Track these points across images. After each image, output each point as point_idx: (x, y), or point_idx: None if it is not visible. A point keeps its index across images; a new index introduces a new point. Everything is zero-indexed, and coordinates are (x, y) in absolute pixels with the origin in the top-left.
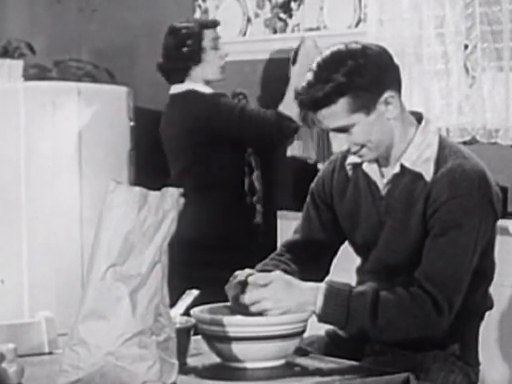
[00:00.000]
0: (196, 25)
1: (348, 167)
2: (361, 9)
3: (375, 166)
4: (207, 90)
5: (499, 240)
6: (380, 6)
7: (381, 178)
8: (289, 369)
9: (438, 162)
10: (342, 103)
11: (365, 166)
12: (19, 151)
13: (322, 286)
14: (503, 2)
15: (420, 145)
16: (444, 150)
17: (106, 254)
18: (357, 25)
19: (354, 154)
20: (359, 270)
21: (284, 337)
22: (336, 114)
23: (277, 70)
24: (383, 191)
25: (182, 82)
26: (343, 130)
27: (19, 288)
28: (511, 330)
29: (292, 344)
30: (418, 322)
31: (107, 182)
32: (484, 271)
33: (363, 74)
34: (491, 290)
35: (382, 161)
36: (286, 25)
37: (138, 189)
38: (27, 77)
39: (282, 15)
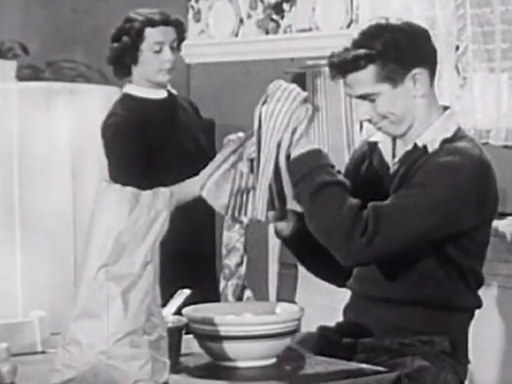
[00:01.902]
0: (141, 20)
1: (368, 145)
2: (352, 10)
3: (389, 145)
4: (144, 92)
5: None
6: (371, 7)
7: (392, 158)
8: (280, 368)
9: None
10: (370, 70)
11: (380, 145)
12: (12, 151)
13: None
14: (494, 3)
15: (438, 129)
16: (457, 135)
17: (98, 253)
18: (349, 26)
19: (375, 125)
20: None
21: (275, 336)
22: (363, 80)
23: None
24: (392, 169)
25: (126, 76)
26: (368, 97)
27: (12, 287)
28: (498, 328)
29: (283, 343)
30: (340, 224)
31: (99, 181)
32: (474, 271)
33: (397, 47)
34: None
35: (399, 139)
36: (279, 26)
37: (129, 189)
38: (20, 77)
39: (275, 16)
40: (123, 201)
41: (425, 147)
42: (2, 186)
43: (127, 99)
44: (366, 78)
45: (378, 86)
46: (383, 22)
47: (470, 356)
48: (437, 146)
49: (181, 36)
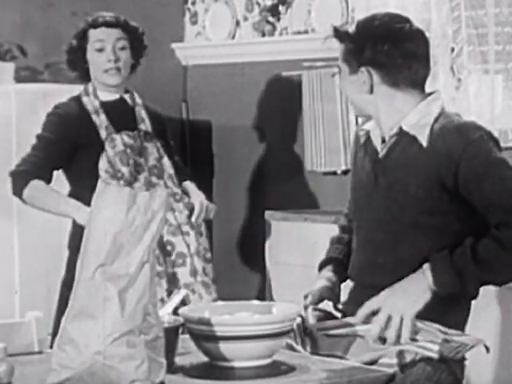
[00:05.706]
0: (84, 23)
1: (361, 133)
2: (348, 12)
3: (378, 132)
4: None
5: None
6: (367, 10)
7: (381, 143)
8: (275, 368)
9: (433, 127)
10: (341, 47)
11: (371, 133)
12: (10, 153)
13: (424, 266)
14: (488, 5)
15: (421, 111)
16: (440, 116)
17: (95, 253)
18: None
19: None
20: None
21: (271, 336)
22: (340, 53)
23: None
24: (381, 154)
25: (86, 80)
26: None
27: (10, 288)
28: (495, 327)
29: (279, 343)
30: None
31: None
32: None
33: (358, 40)
34: None
35: (384, 125)
36: (275, 28)
37: (126, 189)
38: (19, 79)
39: (271, 18)
40: (120, 201)
41: (416, 139)
42: (0, 187)
43: (76, 98)
44: (340, 51)
45: (341, 63)
46: (378, 16)
47: (468, 354)
48: (426, 136)
49: (132, 37)
